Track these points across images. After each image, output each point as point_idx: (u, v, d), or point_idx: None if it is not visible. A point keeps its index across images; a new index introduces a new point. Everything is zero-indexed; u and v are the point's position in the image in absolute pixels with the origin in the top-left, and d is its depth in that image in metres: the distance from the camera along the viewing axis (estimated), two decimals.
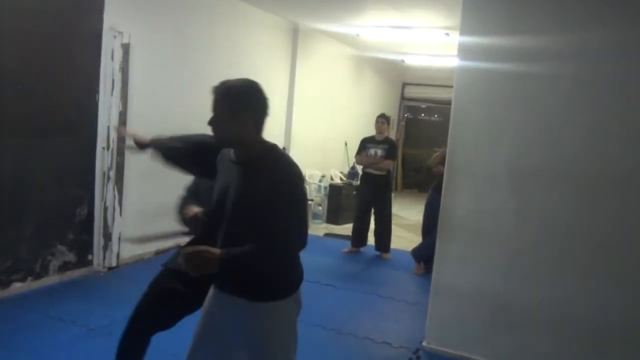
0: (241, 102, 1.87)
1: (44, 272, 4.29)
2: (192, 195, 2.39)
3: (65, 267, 4.47)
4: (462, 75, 3.40)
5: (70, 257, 4.51)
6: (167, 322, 2.43)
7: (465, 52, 3.39)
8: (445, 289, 3.55)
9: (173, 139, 2.46)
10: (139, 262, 5.01)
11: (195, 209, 2.10)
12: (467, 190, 3.44)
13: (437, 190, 4.73)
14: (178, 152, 2.41)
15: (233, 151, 1.96)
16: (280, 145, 7.51)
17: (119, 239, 4.76)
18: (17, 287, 4.07)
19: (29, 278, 4.16)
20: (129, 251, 4.95)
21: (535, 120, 3.23)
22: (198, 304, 2.22)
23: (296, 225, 1.88)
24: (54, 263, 4.37)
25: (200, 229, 2.09)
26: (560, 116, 3.17)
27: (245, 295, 1.91)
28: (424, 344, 3.63)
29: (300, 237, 1.89)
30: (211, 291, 2.05)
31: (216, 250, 1.78)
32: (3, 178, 3.92)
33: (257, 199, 1.84)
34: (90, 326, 3.56)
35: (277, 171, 1.87)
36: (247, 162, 1.91)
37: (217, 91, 1.89)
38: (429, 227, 5.29)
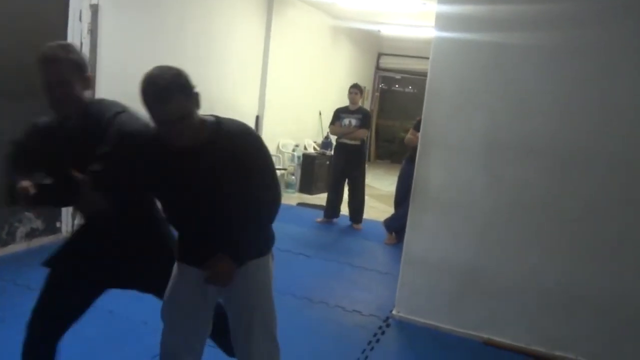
0: (190, 87, 1.73)
1: (10, 239, 4.20)
2: (18, 158, 2.07)
3: (32, 234, 4.38)
4: (439, 45, 3.38)
5: (38, 224, 4.42)
6: (71, 314, 2.15)
7: (442, 21, 3.35)
8: (416, 259, 3.59)
9: None
10: None
11: (25, 183, 1.89)
12: (440, 161, 3.45)
13: (410, 161, 4.75)
14: None
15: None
16: (254, 114, 7.46)
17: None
18: None
19: None
20: None
21: (510, 92, 3.24)
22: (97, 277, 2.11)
23: (273, 182, 1.93)
24: (21, 230, 4.28)
25: (29, 203, 1.92)
26: (534, 89, 3.18)
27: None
28: (394, 312, 3.70)
29: (278, 191, 1.96)
30: (182, 266, 2.02)
31: (227, 260, 1.83)
32: None
33: (227, 177, 1.82)
34: None
35: (234, 143, 1.82)
36: (197, 147, 1.79)
37: (162, 88, 1.66)
38: (402, 198, 5.34)
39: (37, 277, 3.75)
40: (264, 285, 2.06)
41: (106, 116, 1.88)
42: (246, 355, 2.08)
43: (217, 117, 1.88)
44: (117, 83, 4.77)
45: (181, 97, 1.68)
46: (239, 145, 1.82)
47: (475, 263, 3.43)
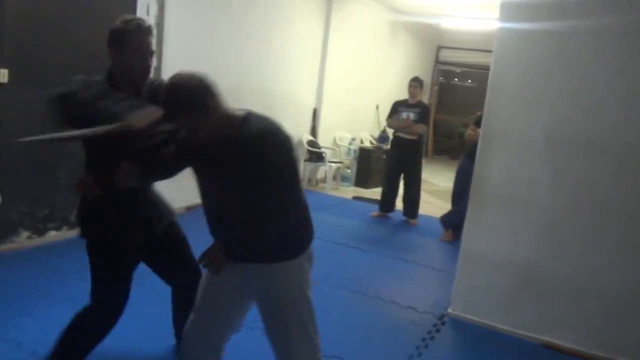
0: (199, 98, 1.78)
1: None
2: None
3: None
4: (503, 37, 3.28)
5: None
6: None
7: (507, 11, 3.25)
8: (474, 256, 3.52)
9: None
10: None
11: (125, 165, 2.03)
12: (501, 157, 3.36)
13: (469, 157, 4.66)
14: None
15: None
16: (312, 107, 7.49)
17: None
18: (52, 235, 4.19)
19: (64, 227, 4.26)
20: None
21: (577, 86, 3.11)
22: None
23: (286, 189, 1.89)
24: None
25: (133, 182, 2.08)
26: (604, 82, 3.04)
27: (258, 259, 1.95)
28: (449, 310, 3.64)
29: (294, 194, 1.91)
30: None
31: (217, 250, 1.90)
32: (40, 128, 3.95)
33: (239, 172, 1.83)
34: None
35: (254, 140, 1.81)
36: (226, 140, 1.83)
37: (173, 110, 1.79)
38: (459, 194, 5.24)
39: None
40: (293, 290, 2.00)
41: None
42: None
43: (246, 114, 1.88)
44: None
45: (187, 113, 1.77)
46: (258, 144, 1.80)
47: (536, 262, 3.32)
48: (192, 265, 2.50)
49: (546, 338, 3.32)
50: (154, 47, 2.25)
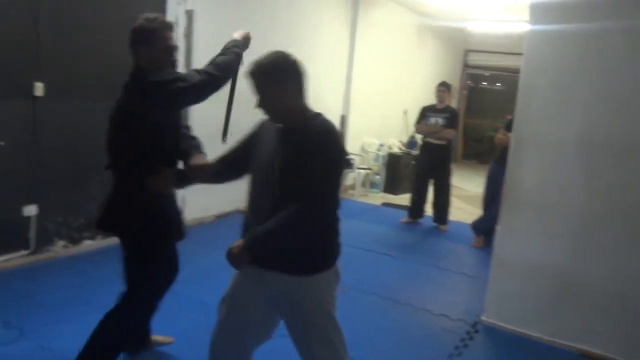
0: (281, 74, 1.91)
1: None
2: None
3: None
4: (533, 39, 3.23)
5: None
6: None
7: (537, 14, 3.20)
8: (507, 262, 3.46)
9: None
10: (200, 225, 5.15)
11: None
12: (534, 161, 3.31)
13: (499, 162, 4.59)
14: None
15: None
16: (339, 113, 7.49)
17: (183, 202, 4.89)
18: (87, 244, 4.28)
19: (98, 236, 4.34)
20: (191, 214, 5.09)
21: (611, 87, 3.04)
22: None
23: (318, 190, 1.86)
24: None
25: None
26: (635, 81, 2.97)
27: (285, 269, 1.93)
28: (482, 318, 3.57)
29: (326, 200, 1.90)
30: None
31: (239, 242, 1.88)
32: (74, 140, 4.09)
33: (291, 161, 1.86)
34: None
35: (314, 136, 1.88)
36: (289, 128, 1.94)
37: (255, 72, 1.90)
38: (490, 199, 5.17)
39: None
40: (319, 305, 1.98)
41: None
42: None
43: (318, 113, 1.98)
44: None
45: (265, 80, 1.89)
46: (314, 139, 1.87)
47: (570, 268, 3.25)
48: (176, 263, 2.57)
49: (582, 346, 3.24)
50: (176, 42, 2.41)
